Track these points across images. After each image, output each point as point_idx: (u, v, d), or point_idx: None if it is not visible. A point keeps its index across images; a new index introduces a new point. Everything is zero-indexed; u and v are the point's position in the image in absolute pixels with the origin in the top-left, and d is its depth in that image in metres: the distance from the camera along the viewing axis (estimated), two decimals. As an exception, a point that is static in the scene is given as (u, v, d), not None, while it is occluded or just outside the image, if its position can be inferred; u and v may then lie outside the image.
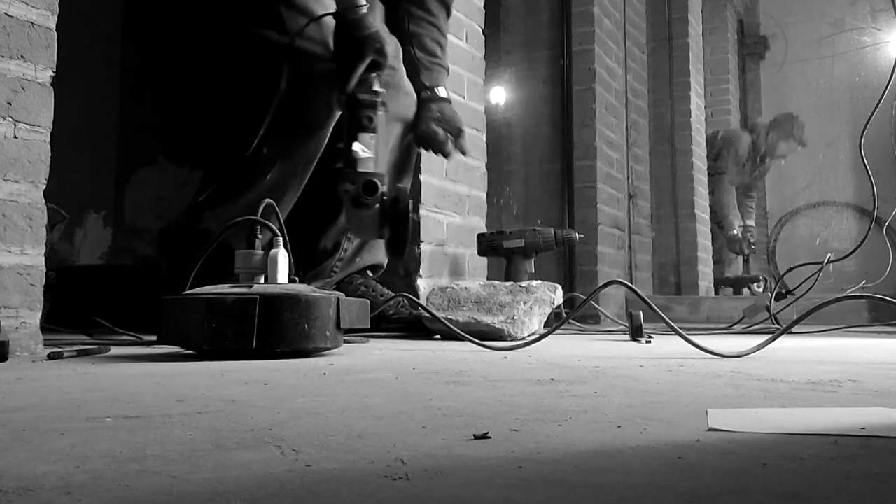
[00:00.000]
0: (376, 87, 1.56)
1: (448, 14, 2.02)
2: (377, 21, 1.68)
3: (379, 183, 1.50)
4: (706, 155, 5.17)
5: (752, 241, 5.58)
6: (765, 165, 5.71)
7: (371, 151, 1.51)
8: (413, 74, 1.93)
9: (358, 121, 1.52)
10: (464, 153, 1.94)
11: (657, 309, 1.38)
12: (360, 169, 1.50)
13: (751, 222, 5.70)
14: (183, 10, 2.75)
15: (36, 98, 1.25)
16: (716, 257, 5.27)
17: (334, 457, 0.46)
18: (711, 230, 5.10)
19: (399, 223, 1.51)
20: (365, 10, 1.58)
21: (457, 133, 1.89)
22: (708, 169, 5.18)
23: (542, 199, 3.73)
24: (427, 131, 1.88)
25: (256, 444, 0.50)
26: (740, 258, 5.67)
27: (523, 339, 1.83)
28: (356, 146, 1.50)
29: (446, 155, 1.91)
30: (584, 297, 1.57)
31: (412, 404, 0.68)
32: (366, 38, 1.55)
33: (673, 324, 1.37)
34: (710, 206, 5.17)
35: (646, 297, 1.42)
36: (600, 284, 1.63)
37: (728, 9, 6.56)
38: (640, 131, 4.24)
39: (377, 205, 1.51)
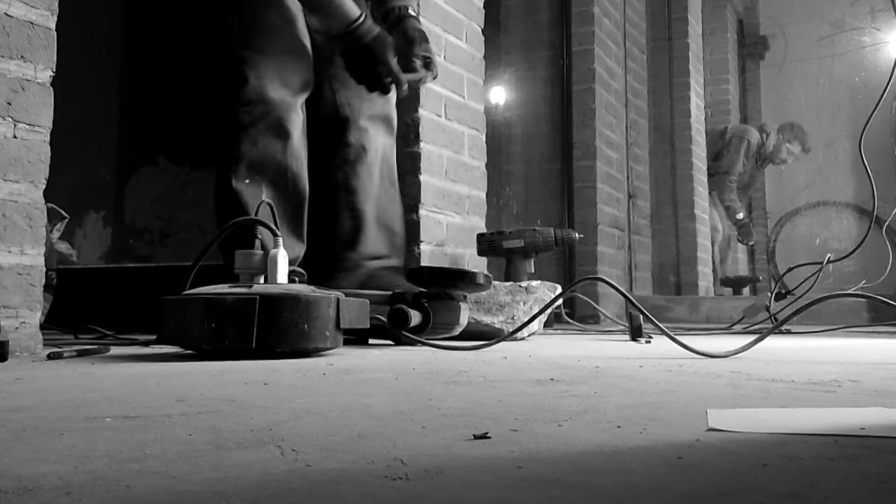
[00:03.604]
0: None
1: None
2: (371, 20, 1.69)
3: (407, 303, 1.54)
4: (706, 155, 5.17)
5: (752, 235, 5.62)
6: (762, 169, 5.74)
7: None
8: None
9: None
10: (434, 76, 1.82)
11: (639, 305, 1.37)
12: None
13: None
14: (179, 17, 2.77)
15: (36, 98, 1.25)
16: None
17: (334, 457, 0.46)
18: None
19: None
20: (363, 19, 1.63)
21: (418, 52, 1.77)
22: (708, 169, 5.18)
23: (542, 199, 3.73)
24: (402, 49, 1.75)
25: (256, 444, 0.50)
26: (740, 255, 5.68)
27: (523, 339, 1.83)
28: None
29: (414, 72, 1.74)
30: (584, 298, 1.57)
31: (412, 404, 0.68)
32: (373, 42, 1.62)
33: (660, 323, 1.36)
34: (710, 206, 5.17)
35: (626, 293, 1.42)
36: (598, 285, 1.63)
37: (728, 9, 6.55)
38: (640, 131, 4.24)
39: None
